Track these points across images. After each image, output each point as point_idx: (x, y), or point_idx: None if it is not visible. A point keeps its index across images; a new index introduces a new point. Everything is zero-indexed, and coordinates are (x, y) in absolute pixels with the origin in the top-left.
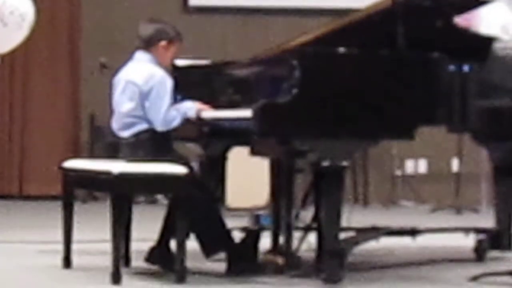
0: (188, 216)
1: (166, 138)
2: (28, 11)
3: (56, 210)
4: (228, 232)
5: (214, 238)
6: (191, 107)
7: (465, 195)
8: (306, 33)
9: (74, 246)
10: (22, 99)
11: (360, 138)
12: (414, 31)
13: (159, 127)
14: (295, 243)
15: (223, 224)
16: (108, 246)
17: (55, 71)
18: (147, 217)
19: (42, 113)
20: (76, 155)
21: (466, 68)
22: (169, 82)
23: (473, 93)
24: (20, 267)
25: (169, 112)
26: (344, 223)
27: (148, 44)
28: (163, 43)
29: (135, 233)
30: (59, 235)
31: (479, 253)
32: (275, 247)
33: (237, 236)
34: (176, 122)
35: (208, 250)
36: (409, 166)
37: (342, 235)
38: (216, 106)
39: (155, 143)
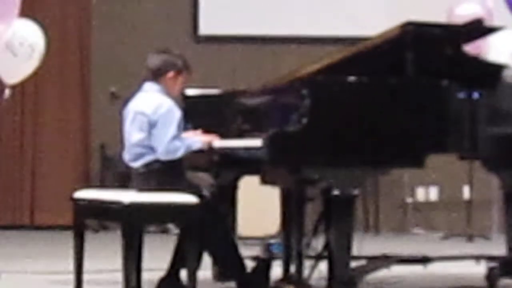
0: (199, 245)
1: (177, 167)
2: (38, 42)
3: (67, 240)
4: (241, 260)
5: (227, 265)
6: (196, 141)
7: (476, 223)
8: (316, 61)
9: (85, 276)
10: (32, 129)
11: (370, 166)
12: (423, 59)
13: (162, 155)
14: (306, 271)
15: (236, 251)
16: (119, 276)
17: (66, 100)
18: (158, 247)
19: (52, 143)
20: (87, 184)
21: (476, 95)
22: (176, 113)
23: (483, 120)
24: None
25: (173, 142)
26: (355, 251)
27: (156, 75)
28: (170, 74)
29: (146, 262)
30: (70, 265)
31: (491, 281)
32: (286, 276)
33: (249, 264)
34: (179, 153)
35: (220, 275)
36: (420, 193)
37: (353, 264)
38: (226, 135)
39: (166, 173)
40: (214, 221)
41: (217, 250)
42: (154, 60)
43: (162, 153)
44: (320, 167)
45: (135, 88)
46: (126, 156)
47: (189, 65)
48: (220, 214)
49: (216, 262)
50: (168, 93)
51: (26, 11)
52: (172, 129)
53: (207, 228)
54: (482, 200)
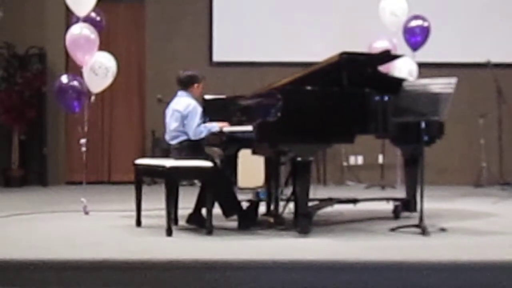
0: (214, 193)
1: (199, 144)
2: (111, 65)
3: (131, 190)
4: (239, 202)
5: (230, 206)
6: (214, 126)
7: (387, 178)
8: (285, 77)
9: (143, 213)
10: (109, 121)
11: (320, 142)
12: (353, 75)
13: (191, 136)
14: (280, 209)
15: (235, 197)
16: (163, 212)
17: (130, 103)
18: (188, 194)
19: (122, 130)
20: (143, 155)
21: (386, 97)
22: (199, 109)
23: (390, 113)
24: (109, 226)
25: (198, 128)
26: (311, 195)
27: (186, 85)
28: (196, 85)
29: (180, 204)
30: (133, 206)
31: (396, 214)
32: (268, 211)
33: (245, 205)
34: (203, 134)
35: (226, 213)
36: (352, 159)
37: (310, 203)
38: (230, 124)
39: (192, 148)
40: (222, 178)
41: (223, 196)
42: (184, 75)
43: (192, 135)
44: (289, 143)
45: (172, 95)
46: (167, 137)
47: (204, 76)
48: (225, 174)
49: (220, 206)
50: (193, 96)
51: (104, 47)
52: (197, 119)
53: (218, 182)
54: (390, 163)
